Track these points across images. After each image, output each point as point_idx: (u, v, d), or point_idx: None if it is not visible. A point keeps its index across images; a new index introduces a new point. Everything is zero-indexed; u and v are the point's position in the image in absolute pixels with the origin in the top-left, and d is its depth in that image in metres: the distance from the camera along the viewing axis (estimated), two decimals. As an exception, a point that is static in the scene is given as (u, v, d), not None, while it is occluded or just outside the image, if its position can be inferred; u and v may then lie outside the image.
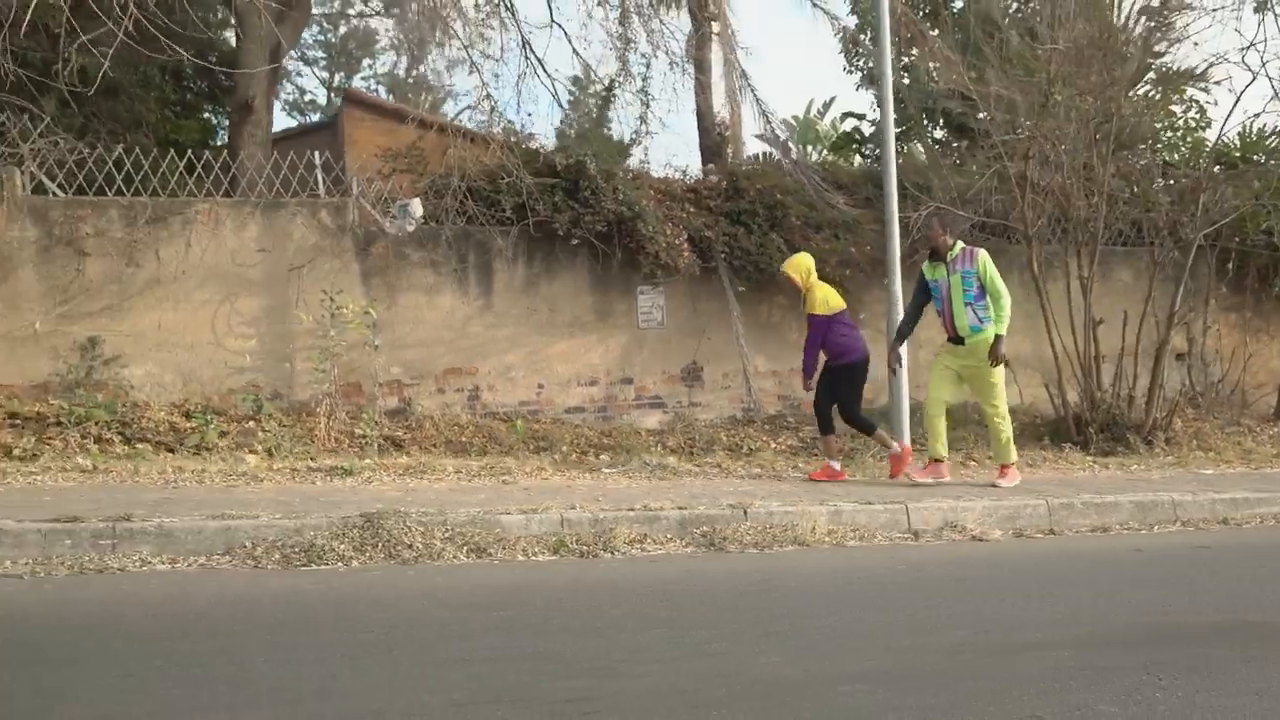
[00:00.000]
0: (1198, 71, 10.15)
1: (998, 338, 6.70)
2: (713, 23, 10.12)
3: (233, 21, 9.20)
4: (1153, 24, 10.35)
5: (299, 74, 22.87)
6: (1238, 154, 10.91)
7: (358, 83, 25.66)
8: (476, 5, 9.85)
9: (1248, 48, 9.53)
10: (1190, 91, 11.36)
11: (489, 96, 8.70)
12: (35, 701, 2.50)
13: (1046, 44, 8.94)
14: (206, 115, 12.97)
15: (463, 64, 8.88)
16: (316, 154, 8.88)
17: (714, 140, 10.22)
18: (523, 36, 9.82)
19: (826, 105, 15.66)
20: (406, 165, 9.11)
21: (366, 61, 26.59)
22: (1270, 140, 10.90)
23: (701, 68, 10.08)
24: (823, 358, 7.25)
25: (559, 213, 8.73)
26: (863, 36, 12.67)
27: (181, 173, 8.46)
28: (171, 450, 7.49)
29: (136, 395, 8.13)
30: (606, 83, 9.14)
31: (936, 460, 7.01)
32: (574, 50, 10.37)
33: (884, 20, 8.01)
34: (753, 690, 2.65)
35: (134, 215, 8.24)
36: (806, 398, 9.83)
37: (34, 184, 8.22)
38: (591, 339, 9.26)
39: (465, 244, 8.91)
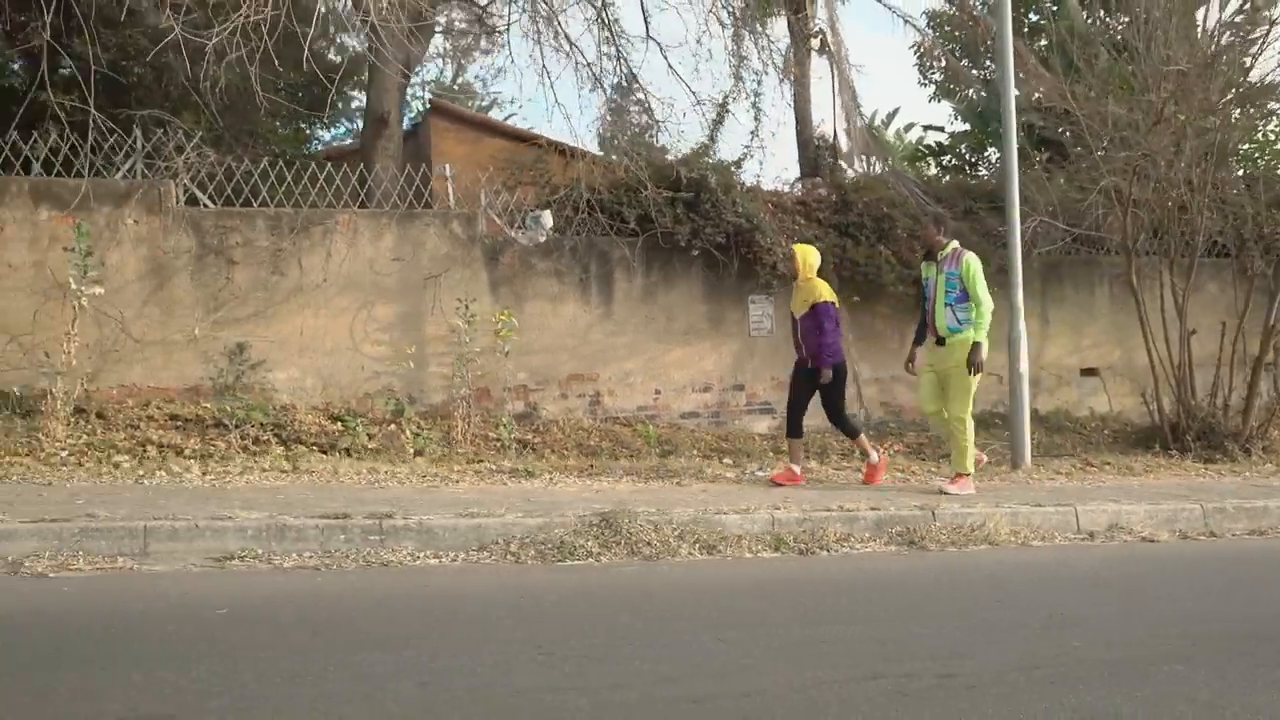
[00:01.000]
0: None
1: (975, 345, 6.69)
2: (811, 39, 10.45)
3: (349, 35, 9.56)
4: (1236, 39, 10.66)
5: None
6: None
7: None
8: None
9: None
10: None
11: (613, 111, 8.93)
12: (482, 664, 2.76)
13: (1140, 61, 9.26)
14: (301, 125, 13.34)
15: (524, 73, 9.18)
16: (448, 166, 9.23)
17: (813, 153, 10.56)
18: (618, 49, 10.15)
19: (891, 115, 16.09)
20: (531, 178, 9.45)
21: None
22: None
23: (801, 83, 10.40)
24: (797, 357, 7.33)
25: (680, 224, 9.06)
26: (938, 50, 13.01)
27: (322, 184, 8.81)
28: (325, 451, 7.82)
29: (280, 398, 8.48)
30: (720, 98, 9.43)
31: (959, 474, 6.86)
32: (669, 67, 10.68)
33: (1006, 35, 8.26)
34: (1113, 663, 2.98)
35: (279, 225, 8.60)
36: (908, 403, 10.23)
37: (187, 196, 8.59)
38: (705, 346, 9.59)
39: (588, 254, 9.25)
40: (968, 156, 13.24)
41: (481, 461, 7.52)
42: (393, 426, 8.34)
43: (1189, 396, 9.52)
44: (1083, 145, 9.97)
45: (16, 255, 8.14)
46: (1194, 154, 8.82)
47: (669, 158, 9.56)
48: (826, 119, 11.34)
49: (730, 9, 9.22)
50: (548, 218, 8.90)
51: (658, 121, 9.90)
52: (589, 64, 9.10)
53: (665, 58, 9.75)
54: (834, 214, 9.68)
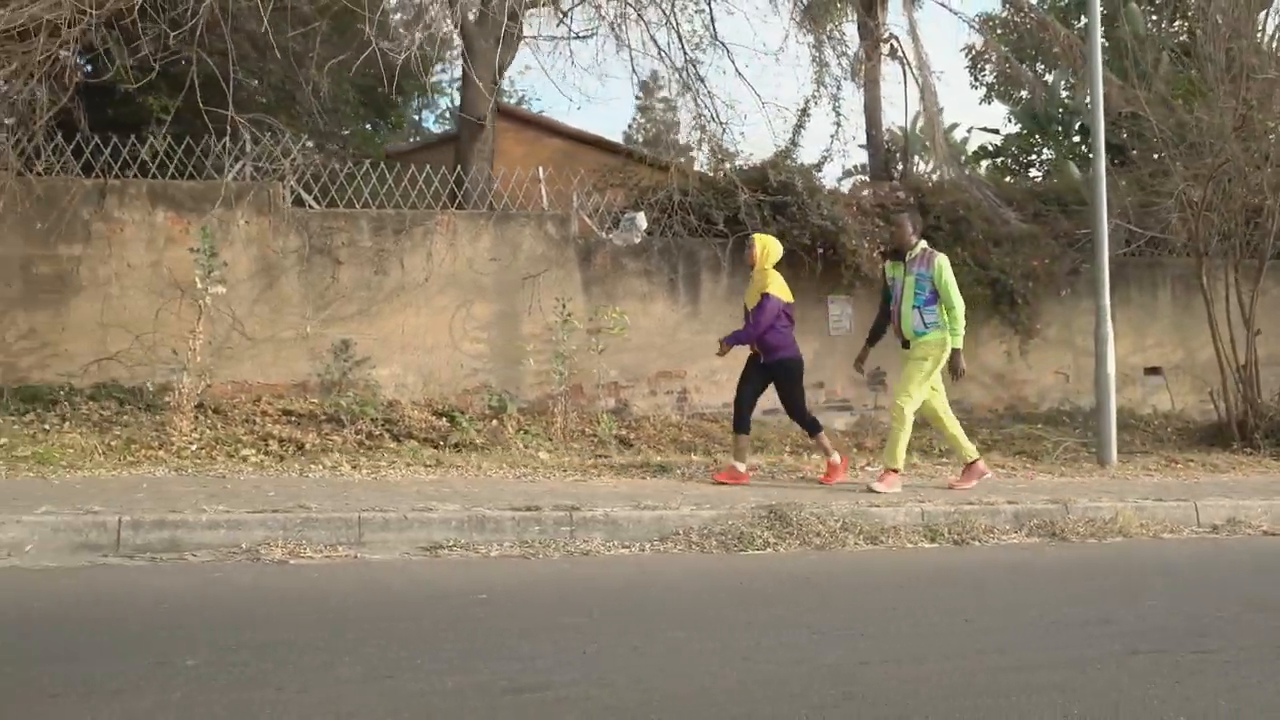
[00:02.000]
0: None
1: (955, 352, 6.55)
2: (881, 44, 10.70)
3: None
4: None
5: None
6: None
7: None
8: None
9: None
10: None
11: (701, 115, 9.20)
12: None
13: (1214, 67, 9.50)
14: (367, 125, 13.59)
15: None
16: (541, 169, 9.49)
17: (884, 155, 10.82)
18: (687, 54, 10.40)
19: (917, 115, 16.20)
20: (620, 180, 9.70)
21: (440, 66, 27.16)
22: None
23: (872, 86, 10.65)
24: (750, 351, 7.18)
25: (767, 226, 9.31)
26: (993, 55, 13.27)
27: (421, 186, 9.05)
28: (436, 447, 8.08)
29: (383, 395, 8.73)
30: (800, 103, 9.69)
31: (971, 464, 6.84)
32: (737, 71, 10.91)
33: (1095, 41, 8.47)
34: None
35: (382, 226, 8.85)
36: (980, 400, 10.51)
37: (293, 197, 8.83)
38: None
39: (676, 255, 9.50)
40: (1020, 158, 13.50)
41: (602, 456, 7.79)
42: (495, 422, 8.59)
43: (1255, 395, 9.80)
44: (1150, 149, 10.23)
45: (135, 255, 8.38)
46: (1275, 159, 9.08)
47: (749, 162, 9.82)
48: (893, 121, 11.58)
49: (810, 17, 9.45)
50: (642, 219, 9.15)
51: (722, 124, 10.11)
52: (679, 69, 9.33)
53: (733, 62, 10.00)
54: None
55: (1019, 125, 13.82)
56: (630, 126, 34.09)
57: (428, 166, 9.28)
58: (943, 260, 6.68)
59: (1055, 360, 10.52)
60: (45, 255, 8.23)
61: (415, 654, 2.93)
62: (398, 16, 10.78)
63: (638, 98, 34.16)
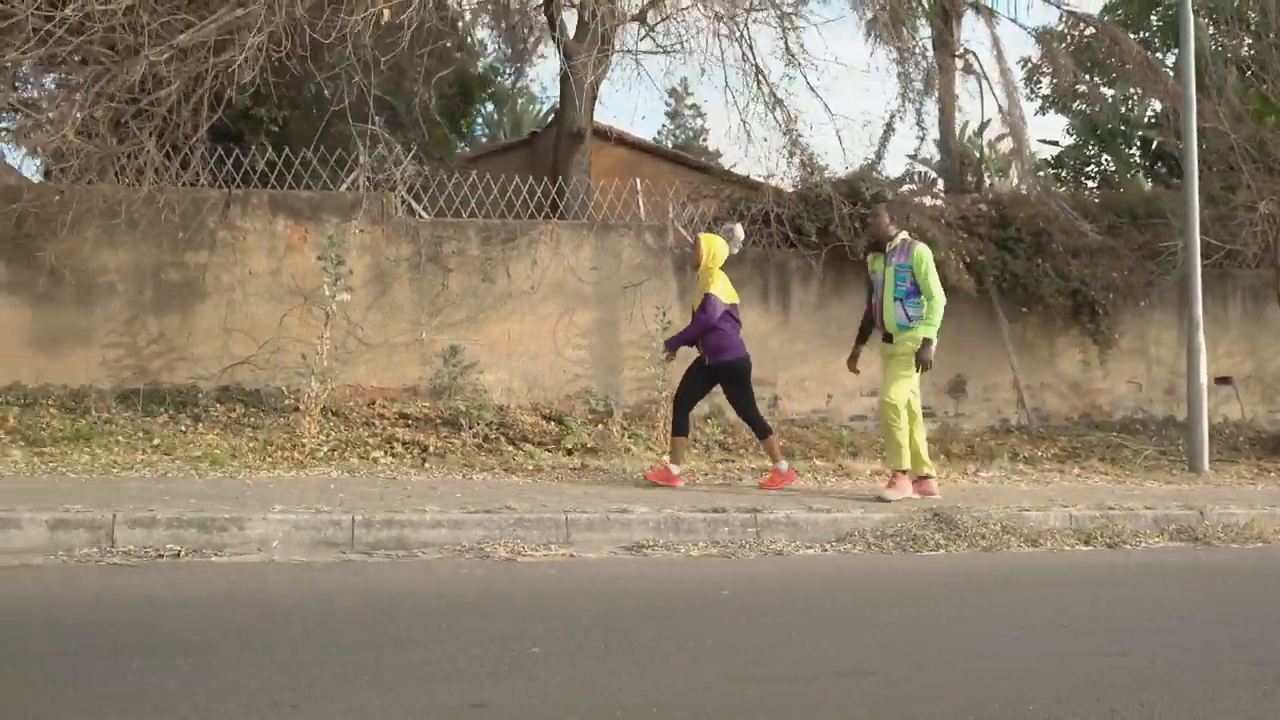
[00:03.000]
0: None
1: (925, 341, 6.29)
2: (956, 58, 10.98)
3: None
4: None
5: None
6: None
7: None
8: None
9: None
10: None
11: (789, 132, 9.47)
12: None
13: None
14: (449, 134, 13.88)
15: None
16: (638, 180, 9.76)
17: (958, 168, 11.10)
18: (758, 66, 10.68)
19: (982, 126, 16.59)
20: (713, 192, 9.97)
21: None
22: None
23: (946, 99, 10.93)
24: (695, 352, 7.07)
25: (857, 238, 9.59)
26: (1048, 66, 13.55)
27: (525, 197, 9.32)
28: (549, 449, 8.35)
29: (489, 398, 8.99)
30: (886, 117, 9.99)
31: (923, 478, 6.56)
32: (810, 88, 11.16)
33: (1189, 55, 8.73)
34: None
35: (489, 235, 9.12)
36: (1056, 408, 10.78)
37: (404, 206, 9.10)
38: (872, 353, 10.07)
39: (767, 265, 9.78)
40: (1078, 169, 13.78)
41: (732, 461, 8.07)
42: (600, 426, 8.86)
43: (1325, 405, 10.09)
44: (1223, 163, 10.48)
45: (256, 262, 8.65)
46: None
47: (834, 174, 10.09)
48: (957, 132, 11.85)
49: (891, 31, 9.73)
50: (740, 230, 9.34)
51: (792, 136, 10.37)
52: (773, 85, 9.61)
53: (805, 77, 10.28)
54: (992, 228, 10.20)
55: (1074, 137, 14.10)
56: (659, 132, 34.48)
57: (530, 179, 9.55)
58: (922, 250, 6.43)
59: (1129, 370, 10.78)
60: (174, 262, 8.49)
61: (721, 644, 3.19)
62: (483, 34, 11.03)
63: (668, 104, 34.59)
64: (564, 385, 9.25)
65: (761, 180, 10.26)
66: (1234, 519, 5.84)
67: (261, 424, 8.04)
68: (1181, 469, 9.00)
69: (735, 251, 9.58)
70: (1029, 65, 14.01)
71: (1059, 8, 11.14)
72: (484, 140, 22.19)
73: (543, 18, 9.51)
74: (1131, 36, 13.23)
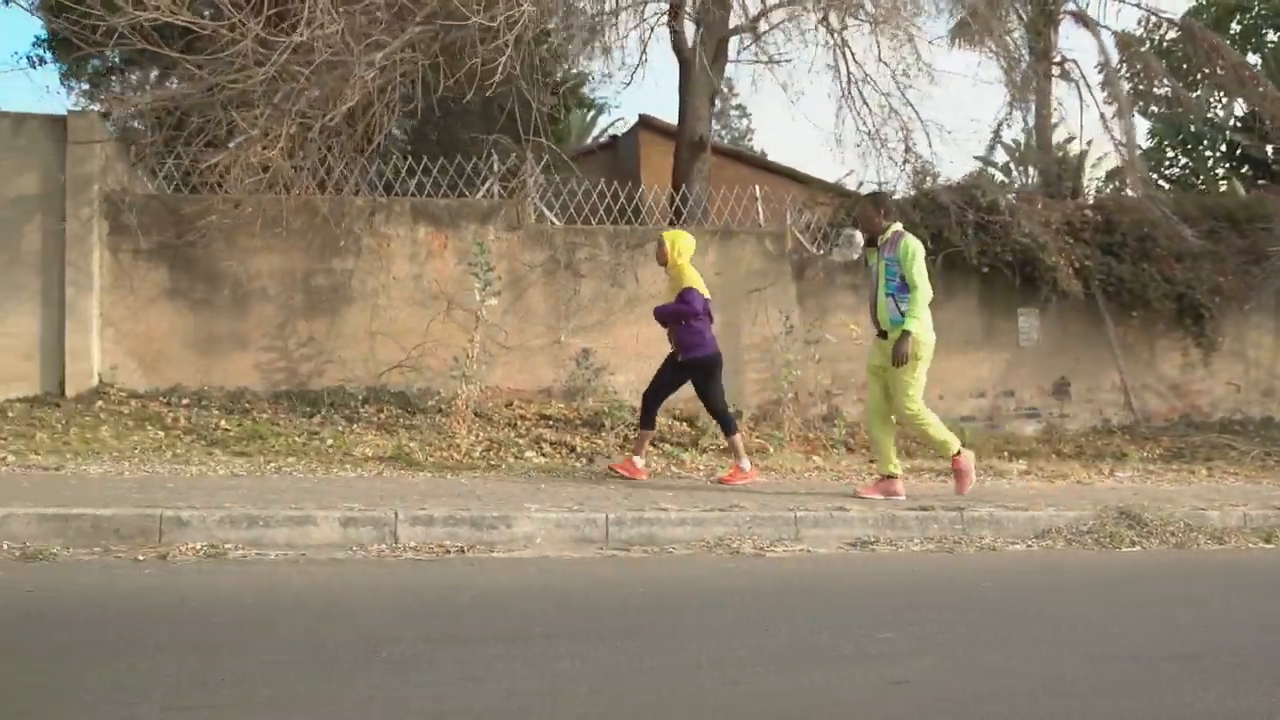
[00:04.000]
0: None
1: (904, 334, 6.06)
2: (1054, 64, 11.21)
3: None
4: None
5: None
6: None
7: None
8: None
9: None
10: None
11: (905, 140, 9.73)
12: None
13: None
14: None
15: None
16: (757, 187, 10.03)
17: (1055, 174, 11.33)
18: (847, 73, 10.94)
19: (1028, 132, 16.71)
20: (829, 199, 10.24)
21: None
22: None
23: (1042, 105, 11.17)
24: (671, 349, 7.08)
25: (969, 243, 9.85)
26: (1129, 69, 13.74)
27: (650, 203, 9.61)
28: (686, 449, 8.63)
29: (619, 400, 9.27)
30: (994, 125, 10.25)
31: (888, 477, 6.32)
32: (898, 89, 11.32)
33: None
34: None
35: (618, 241, 9.40)
36: (1157, 409, 11.01)
37: (536, 214, 9.40)
38: (980, 355, 10.37)
39: (880, 269, 10.03)
40: (1157, 170, 13.97)
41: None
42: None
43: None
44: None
45: (399, 268, 8.94)
46: None
47: (945, 181, 10.34)
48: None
49: (1001, 46, 9.97)
50: (859, 237, 9.64)
51: (907, 143, 10.62)
52: (885, 94, 9.86)
53: (897, 83, 10.53)
54: (1097, 233, 10.44)
55: (1153, 139, 14.30)
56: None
57: (655, 186, 9.83)
58: (910, 242, 6.19)
59: (1228, 371, 11.00)
60: (322, 269, 8.79)
61: (1048, 629, 3.46)
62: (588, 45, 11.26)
63: (714, 104, 34.82)
64: (688, 386, 9.51)
65: (851, 188, 10.54)
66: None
67: (413, 425, 8.34)
68: (1295, 468, 9.23)
69: (855, 257, 9.89)
70: (1104, 69, 14.19)
71: (1156, 15, 11.35)
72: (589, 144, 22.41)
73: (665, 30, 9.75)
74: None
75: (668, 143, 15.58)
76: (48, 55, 11.45)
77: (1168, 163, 14.06)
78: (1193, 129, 12.66)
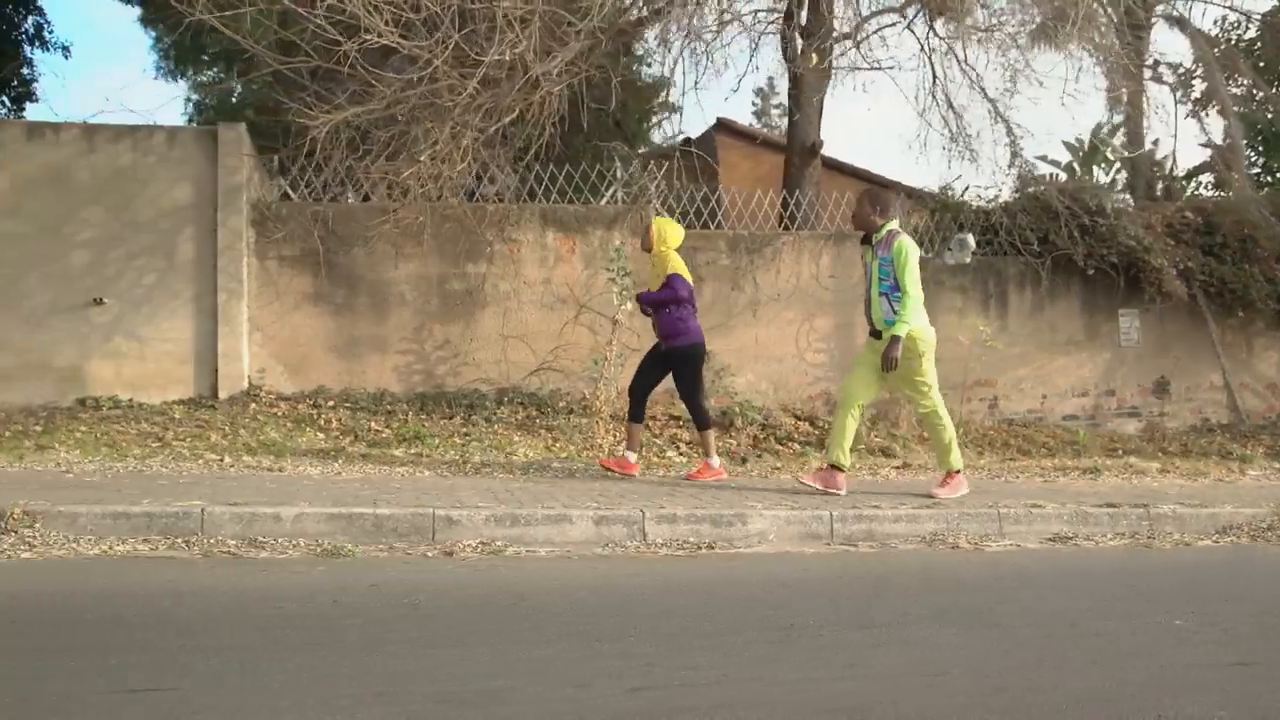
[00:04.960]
0: None
1: (894, 339, 5.92)
2: (1145, 68, 11.39)
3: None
4: None
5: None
6: None
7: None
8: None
9: None
10: None
11: (1012, 144, 9.93)
12: None
13: None
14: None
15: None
16: (851, 193, 10.25)
17: (1148, 175, 11.52)
18: (942, 77, 11.14)
19: (1113, 130, 16.80)
20: (937, 204, 10.46)
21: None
22: None
23: (1135, 108, 11.36)
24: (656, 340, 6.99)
25: (1075, 245, 10.05)
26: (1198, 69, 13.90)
27: (766, 209, 9.83)
28: (813, 447, 8.86)
29: (739, 400, 9.50)
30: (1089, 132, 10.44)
31: (834, 467, 6.13)
32: (1004, 110, 11.44)
33: None
34: None
35: (736, 246, 9.63)
36: (1251, 407, 11.20)
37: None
38: (1082, 355, 10.57)
39: (986, 273, 10.25)
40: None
41: (1012, 459, 8.57)
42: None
43: None
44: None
45: (529, 272, 9.19)
46: None
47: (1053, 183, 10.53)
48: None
49: (1101, 51, 10.14)
50: (971, 240, 9.90)
51: (1014, 148, 10.82)
52: (993, 100, 10.06)
53: (981, 89, 10.72)
54: (1197, 235, 10.63)
55: (1228, 139, 14.40)
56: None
57: (770, 191, 10.05)
58: (904, 241, 6.04)
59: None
60: (457, 274, 9.05)
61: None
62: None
63: (754, 104, 35.05)
64: (805, 387, 9.76)
65: (930, 190, 10.75)
66: None
67: (553, 426, 8.58)
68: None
69: (966, 260, 10.10)
70: (1181, 69, 14.34)
71: (1241, 13, 11.51)
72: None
73: (775, 40, 9.98)
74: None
75: (743, 145, 15.86)
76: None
77: (1245, 163, 14.17)
78: (1273, 128, 12.79)
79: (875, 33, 10.92)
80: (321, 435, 7.85)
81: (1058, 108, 22.37)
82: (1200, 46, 10.50)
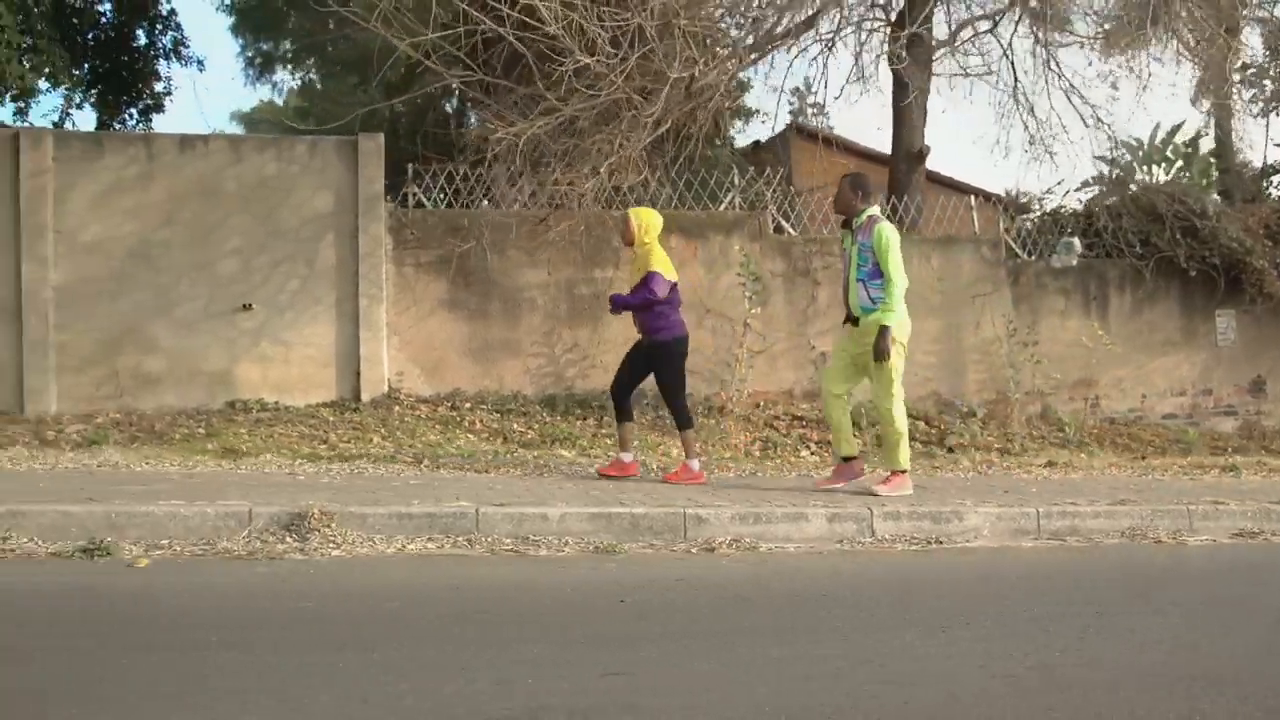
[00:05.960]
0: None
1: (883, 329, 5.93)
2: (1234, 71, 11.59)
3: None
4: None
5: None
6: None
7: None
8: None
9: None
10: None
11: (1114, 149, 10.15)
12: None
13: None
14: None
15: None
16: (973, 197, 10.47)
17: (1236, 175, 11.72)
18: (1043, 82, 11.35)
19: (1174, 129, 17.02)
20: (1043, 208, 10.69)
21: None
22: None
23: (1223, 110, 11.57)
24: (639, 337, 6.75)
25: (1177, 248, 10.27)
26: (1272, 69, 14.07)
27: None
28: (935, 445, 9.10)
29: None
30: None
31: (846, 460, 6.22)
32: (1069, 100, 11.64)
33: None
34: None
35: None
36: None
37: (774, 225, 9.87)
38: (1180, 356, 10.78)
39: (1087, 275, 10.46)
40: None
41: (1141, 456, 8.82)
42: (960, 423, 9.60)
43: None
44: None
45: (654, 277, 9.40)
46: None
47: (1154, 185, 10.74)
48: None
49: (1198, 54, 10.35)
50: (1077, 244, 10.12)
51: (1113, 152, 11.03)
52: (1094, 107, 10.28)
53: (1065, 92, 10.94)
54: (1295, 236, 10.83)
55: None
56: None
57: (887, 196, 10.25)
58: (885, 227, 6.00)
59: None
60: (585, 279, 9.30)
61: None
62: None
63: (791, 103, 35.17)
64: (916, 387, 9.94)
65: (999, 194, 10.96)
66: None
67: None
68: None
69: (1073, 264, 10.32)
70: (1249, 69, 14.51)
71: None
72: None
73: (881, 46, 10.20)
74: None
75: (814, 147, 16.05)
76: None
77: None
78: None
79: (969, 39, 11.17)
80: (472, 436, 8.10)
81: (1125, 108, 22.50)
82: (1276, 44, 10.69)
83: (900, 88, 10.47)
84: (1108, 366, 10.52)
